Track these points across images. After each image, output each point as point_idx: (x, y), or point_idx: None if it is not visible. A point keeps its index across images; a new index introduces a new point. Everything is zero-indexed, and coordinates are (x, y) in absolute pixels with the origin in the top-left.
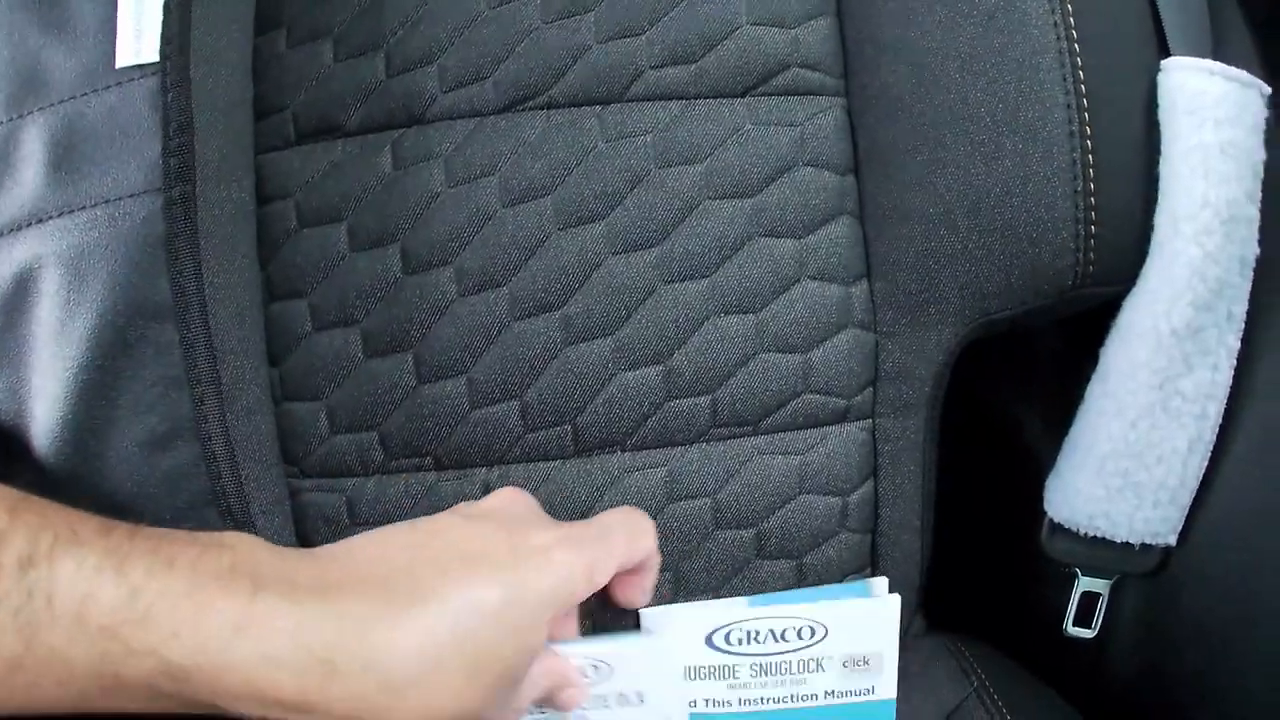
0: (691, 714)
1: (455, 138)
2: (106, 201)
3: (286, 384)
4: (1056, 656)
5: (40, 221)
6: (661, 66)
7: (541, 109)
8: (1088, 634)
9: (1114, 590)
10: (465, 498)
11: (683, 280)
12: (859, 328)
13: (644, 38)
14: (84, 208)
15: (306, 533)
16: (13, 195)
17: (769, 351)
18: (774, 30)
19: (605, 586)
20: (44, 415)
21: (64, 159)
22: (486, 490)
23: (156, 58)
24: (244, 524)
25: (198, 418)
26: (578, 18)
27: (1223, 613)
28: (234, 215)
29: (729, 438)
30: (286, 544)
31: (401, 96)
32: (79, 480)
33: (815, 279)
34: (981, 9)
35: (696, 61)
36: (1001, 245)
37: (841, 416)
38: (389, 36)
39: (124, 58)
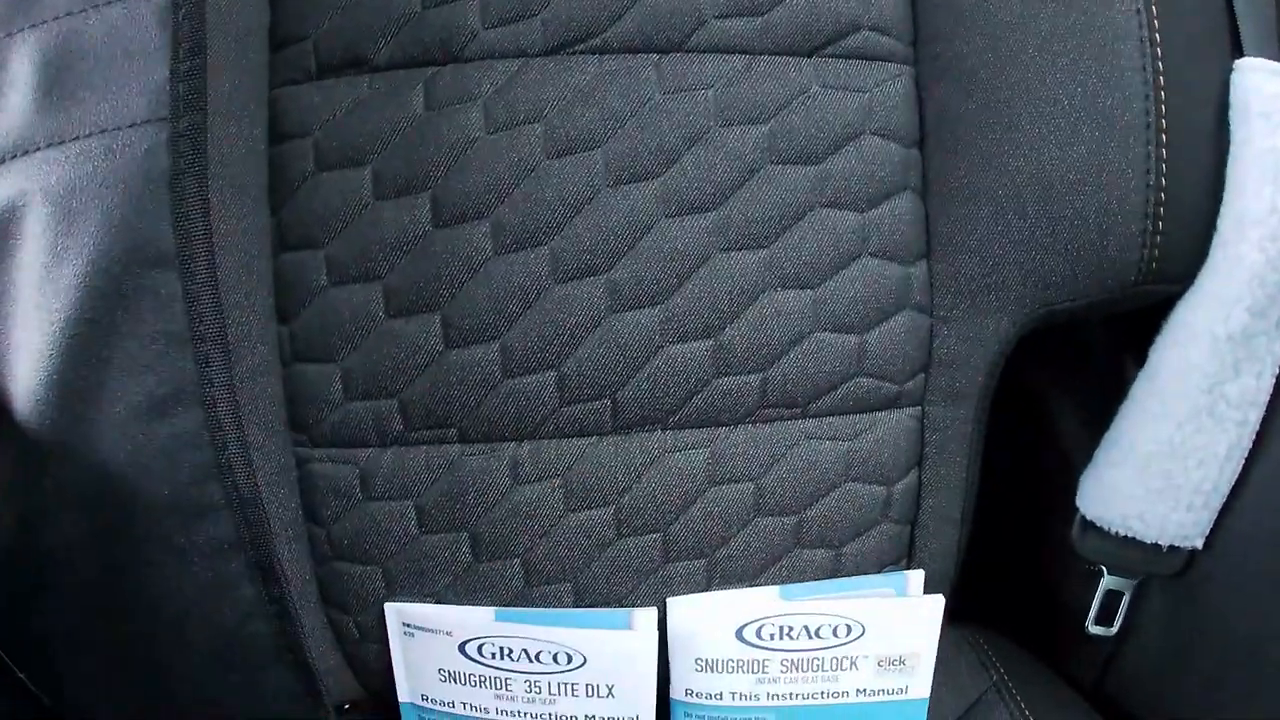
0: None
1: (496, 79)
2: (103, 131)
3: (297, 343)
4: (1075, 652)
5: (26, 153)
6: (725, 17)
7: (594, 53)
8: (1108, 632)
9: (1136, 590)
10: (492, 474)
11: (740, 249)
12: (916, 310)
13: None
14: (77, 138)
15: (314, 506)
16: None
17: (825, 330)
18: None
19: None
20: (27, 374)
21: (56, 82)
22: (515, 467)
23: None
24: (249, 500)
25: (201, 379)
26: None
27: (1245, 617)
28: (245, 154)
29: (776, 420)
30: (292, 519)
31: (438, 30)
32: (67, 450)
33: (876, 256)
34: None
35: (763, 15)
36: (1070, 234)
37: (892, 402)
38: None
39: None
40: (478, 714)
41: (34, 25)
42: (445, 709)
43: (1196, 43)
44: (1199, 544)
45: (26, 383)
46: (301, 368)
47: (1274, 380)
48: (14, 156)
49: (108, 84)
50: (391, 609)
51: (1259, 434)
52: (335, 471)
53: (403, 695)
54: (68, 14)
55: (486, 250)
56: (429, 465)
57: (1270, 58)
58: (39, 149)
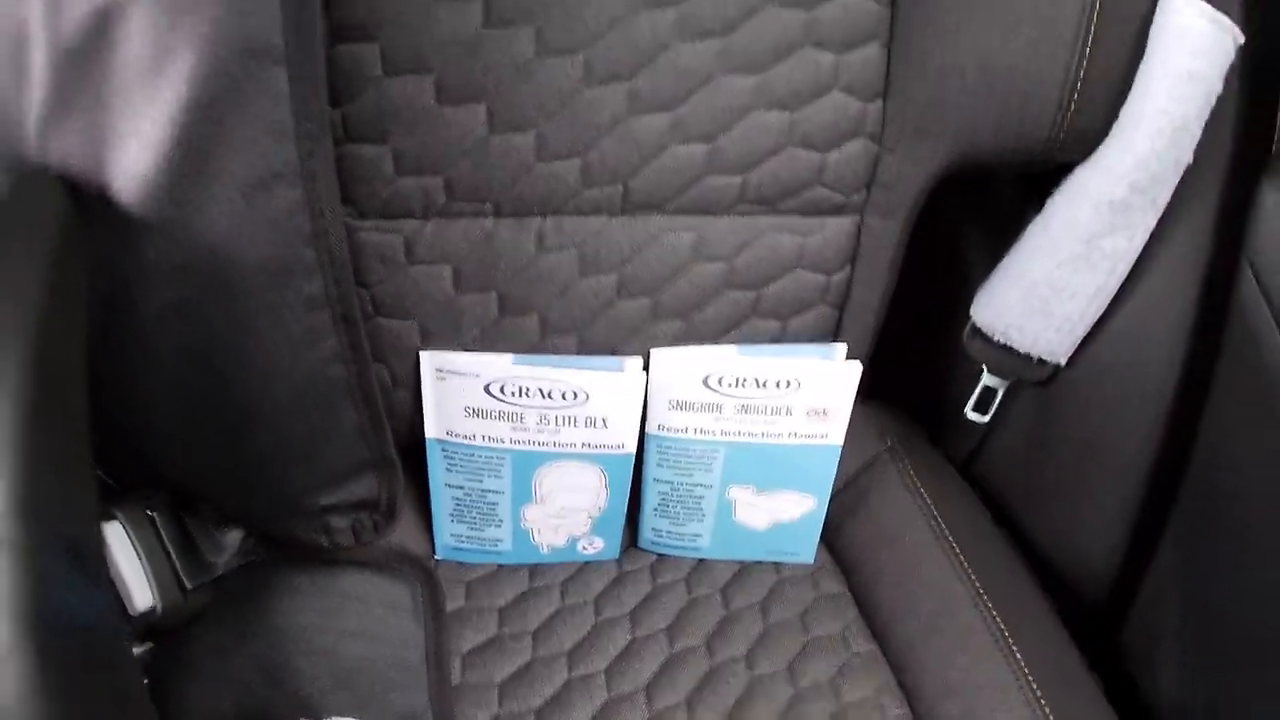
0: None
1: None
2: None
3: (351, 126)
4: (954, 434)
5: None
6: None
7: None
8: (983, 420)
9: (1009, 391)
10: (520, 244)
11: (737, 73)
12: (868, 139)
13: None
14: None
15: (361, 270)
16: None
17: (797, 146)
18: None
19: None
20: (136, 160)
21: None
22: (540, 238)
23: None
24: (339, 261)
25: (303, 162)
26: None
27: (1092, 426)
28: None
29: (751, 214)
30: (345, 280)
31: None
32: (171, 225)
33: (844, 91)
34: None
35: None
36: (999, 103)
37: (839, 210)
38: None
39: None
40: (495, 444)
41: None
42: (468, 441)
43: None
44: (1063, 361)
45: (136, 167)
46: (355, 148)
47: (1143, 244)
48: None
49: None
50: (426, 356)
51: (1126, 284)
52: (383, 239)
53: (430, 432)
54: None
55: (530, 53)
56: (467, 234)
57: None
58: None
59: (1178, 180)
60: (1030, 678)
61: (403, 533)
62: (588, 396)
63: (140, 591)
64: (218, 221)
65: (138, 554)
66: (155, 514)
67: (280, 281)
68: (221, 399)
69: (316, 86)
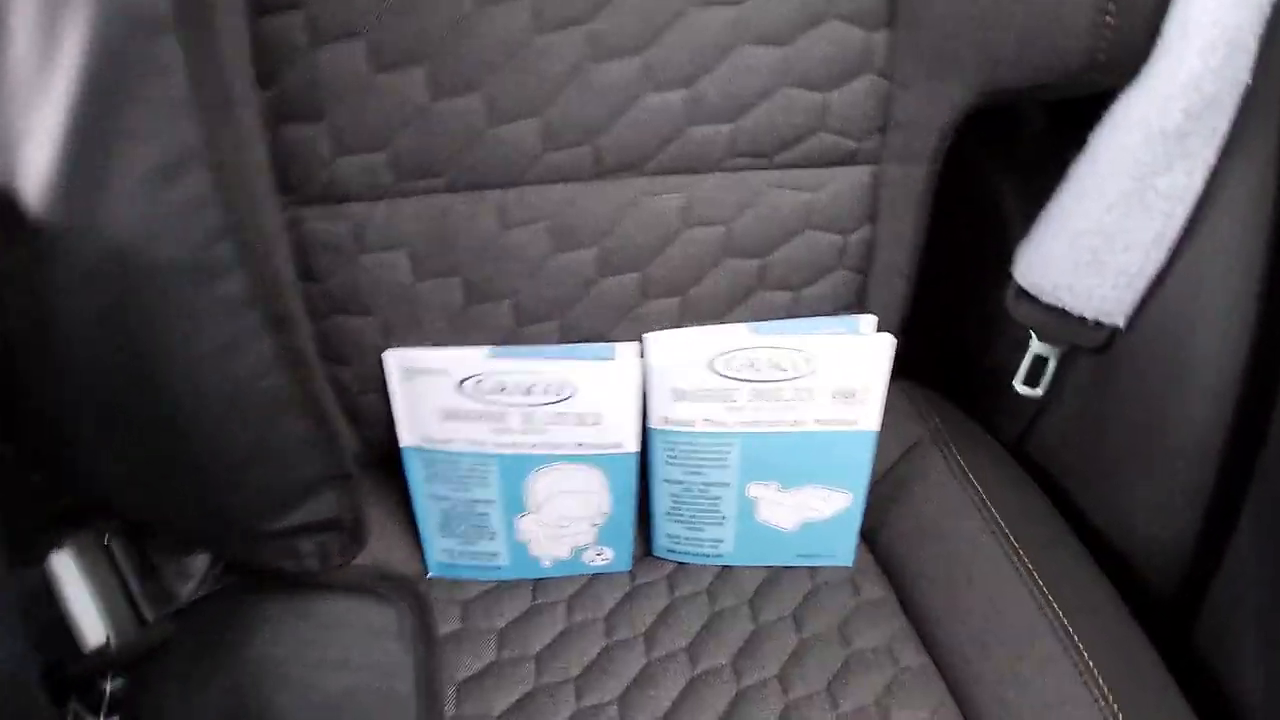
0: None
1: None
2: None
3: (282, 105)
4: (1001, 412)
5: None
6: None
7: None
8: (1035, 393)
9: (1062, 361)
10: (479, 219)
11: (714, 4)
12: (877, 74)
13: None
14: None
15: (310, 264)
16: None
17: (792, 86)
18: None
19: None
20: (34, 159)
21: None
22: (502, 212)
23: None
24: (262, 255)
25: (209, 142)
26: None
27: (1156, 397)
28: None
29: (745, 169)
30: (291, 277)
31: None
32: (77, 229)
33: (842, 19)
34: None
35: None
36: (1023, 18)
37: (850, 158)
38: None
39: None
40: (478, 448)
41: None
42: (447, 447)
43: None
44: (1121, 323)
45: (34, 168)
46: (289, 129)
47: (1205, 182)
48: None
49: None
50: (391, 355)
51: (1187, 230)
52: (329, 228)
53: (404, 440)
54: None
55: (468, 4)
56: (419, 215)
57: None
58: None
59: (1236, 106)
60: (1103, 686)
61: (388, 551)
62: (575, 390)
63: (91, 628)
64: (122, 219)
65: (88, 586)
66: (111, 542)
67: (195, 282)
68: (151, 416)
69: (220, 58)
